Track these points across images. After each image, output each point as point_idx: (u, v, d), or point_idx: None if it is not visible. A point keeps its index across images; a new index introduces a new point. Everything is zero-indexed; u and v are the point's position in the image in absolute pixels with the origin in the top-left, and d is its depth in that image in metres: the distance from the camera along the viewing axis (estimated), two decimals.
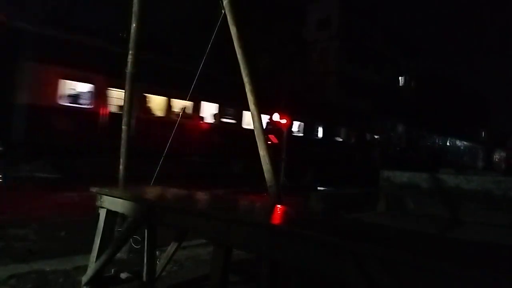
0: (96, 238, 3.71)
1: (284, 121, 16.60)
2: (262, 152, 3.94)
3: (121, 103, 4.96)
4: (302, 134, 22.83)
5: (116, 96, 12.36)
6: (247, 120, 17.42)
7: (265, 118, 18.15)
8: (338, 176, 18.42)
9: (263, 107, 3.99)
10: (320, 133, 24.63)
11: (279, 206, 3.43)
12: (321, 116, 24.71)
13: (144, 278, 3.66)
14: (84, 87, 12.14)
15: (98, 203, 3.78)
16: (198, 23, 19.11)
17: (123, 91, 4.63)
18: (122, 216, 3.92)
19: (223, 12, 4.09)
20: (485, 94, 65.38)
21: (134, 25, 4.62)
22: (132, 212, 3.47)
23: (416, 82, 47.09)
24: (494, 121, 69.96)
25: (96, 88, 12.21)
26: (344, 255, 1.95)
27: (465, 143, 49.81)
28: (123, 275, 3.87)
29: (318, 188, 14.72)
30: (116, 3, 16.68)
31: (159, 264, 3.92)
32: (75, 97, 11.93)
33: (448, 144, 44.14)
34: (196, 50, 5.38)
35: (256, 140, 3.90)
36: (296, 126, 22.19)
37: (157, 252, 3.92)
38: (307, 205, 9.90)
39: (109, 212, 3.70)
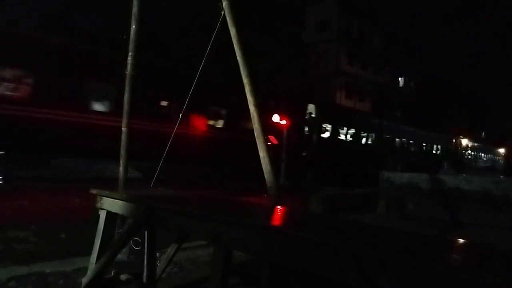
0: (96, 240, 3.71)
1: (284, 122, 16.62)
2: (262, 153, 3.95)
3: None
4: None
5: None
6: None
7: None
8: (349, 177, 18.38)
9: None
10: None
11: (279, 207, 3.43)
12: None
13: (144, 280, 3.66)
14: None
15: (98, 205, 3.78)
16: (198, 25, 19.12)
17: None
18: (122, 217, 3.92)
19: (222, 13, 4.09)
20: (485, 94, 65.53)
21: (133, 27, 4.62)
22: (132, 214, 3.47)
23: (415, 82, 47.12)
24: (494, 121, 69.81)
25: None
26: (344, 257, 1.95)
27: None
28: (123, 277, 3.87)
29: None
30: (115, 5, 16.70)
31: (159, 266, 3.92)
32: None
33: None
34: (196, 52, 5.38)
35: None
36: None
37: (157, 254, 3.92)
38: (307, 207, 9.90)
39: (109, 214, 3.70)
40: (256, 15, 24.39)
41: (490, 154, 59.88)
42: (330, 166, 21.08)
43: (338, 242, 2.05)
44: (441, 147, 37.86)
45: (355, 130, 25.10)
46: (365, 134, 26.29)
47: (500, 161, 59.85)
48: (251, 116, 3.99)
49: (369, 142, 26.59)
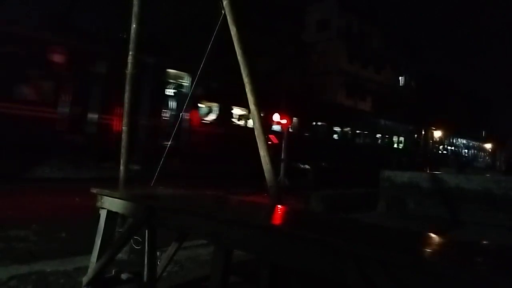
0: (96, 239, 3.72)
1: (284, 121, 16.61)
2: (263, 152, 3.95)
3: None
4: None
5: None
6: None
7: None
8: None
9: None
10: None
11: (279, 206, 3.43)
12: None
13: (145, 279, 3.66)
14: None
15: (98, 204, 3.78)
16: (198, 25, 19.11)
17: None
18: (123, 217, 3.92)
19: (223, 12, 4.10)
20: (485, 94, 64.92)
21: (134, 26, 4.63)
22: (133, 213, 3.47)
23: (416, 82, 47.13)
24: (494, 121, 69.08)
25: None
26: (344, 257, 1.95)
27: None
28: (124, 276, 3.87)
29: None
30: (115, 5, 16.71)
31: (160, 265, 3.92)
32: None
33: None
34: (196, 52, 5.39)
35: None
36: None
37: (157, 253, 3.92)
38: (307, 206, 9.90)
39: (109, 213, 3.70)
40: (256, 15, 24.38)
41: (475, 150, 52.37)
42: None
43: (338, 242, 2.05)
44: (404, 140, 31.57)
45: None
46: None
47: (487, 158, 54.09)
48: (251, 116, 3.99)
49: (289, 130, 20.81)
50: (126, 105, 4.70)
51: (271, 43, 27.16)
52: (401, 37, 44.22)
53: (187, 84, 14.85)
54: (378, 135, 28.39)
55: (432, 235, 2.33)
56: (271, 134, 14.77)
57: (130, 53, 4.64)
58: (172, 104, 14.93)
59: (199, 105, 15.98)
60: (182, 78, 14.94)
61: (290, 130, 19.15)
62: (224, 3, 4.05)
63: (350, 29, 37.76)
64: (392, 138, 29.97)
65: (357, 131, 25.82)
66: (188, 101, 14.18)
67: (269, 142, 4.15)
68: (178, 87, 15.04)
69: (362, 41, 38.51)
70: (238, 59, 4.01)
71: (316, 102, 24.82)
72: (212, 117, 16.36)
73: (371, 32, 39.84)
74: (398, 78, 44.97)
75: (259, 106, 4.01)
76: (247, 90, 4.00)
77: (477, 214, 9.11)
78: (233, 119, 17.65)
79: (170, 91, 15.00)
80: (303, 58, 34.09)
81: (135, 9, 4.64)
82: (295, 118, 20.58)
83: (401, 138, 31.18)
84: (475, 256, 2.03)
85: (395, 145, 30.41)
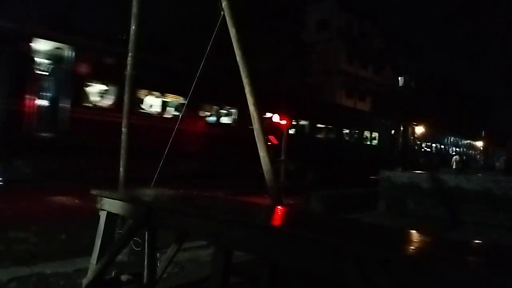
0: (96, 241, 3.71)
1: (284, 122, 16.60)
2: (262, 153, 3.94)
3: None
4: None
5: None
6: None
7: None
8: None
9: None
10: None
11: (279, 207, 3.43)
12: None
13: (145, 280, 3.66)
14: None
15: (98, 206, 3.78)
16: (198, 25, 19.11)
17: None
18: (123, 218, 3.92)
19: (222, 14, 4.09)
20: (486, 94, 64.59)
21: (133, 27, 4.62)
22: (132, 214, 3.47)
23: (415, 82, 47.10)
24: (494, 121, 68.94)
25: None
26: (344, 257, 1.95)
27: None
28: (124, 278, 3.87)
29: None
30: (115, 5, 16.72)
31: (160, 266, 3.92)
32: None
33: None
34: (196, 52, 5.38)
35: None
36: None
37: (157, 254, 3.92)
38: (307, 206, 9.90)
39: (109, 215, 3.70)
40: (256, 15, 24.38)
41: (463, 149, 48.94)
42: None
43: (338, 242, 2.05)
44: (379, 136, 27.40)
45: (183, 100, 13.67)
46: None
47: (478, 157, 51.71)
48: (251, 116, 3.99)
49: (228, 120, 16.84)
50: (125, 106, 4.69)
51: (271, 43, 27.16)
52: (401, 37, 44.22)
53: (68, 59, 11.53)
54: (346, 131, 24.77)
55: (432, 235, 2.33)
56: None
57: (130, 54, 4.64)
58: (47, 84, 11.28)
59: (87, 86, 12.14)
60: (60, 50, 11.49)
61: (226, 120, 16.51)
62: (223, 4, 4.05)
63: (350, 29, 37.76)
64: (362, 133, 26.26)
65: (318, 125, 22.21)
66: (68, 80, 11.33)
67: (268, 143, 4.14)
68: (56, 62, 11.45)
69: (362, 41, 38.50)
70: (238, 60, 4.00)
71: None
72: (106, 102, 12.48)
73: (371, 32, 39.84)
74: (398, 78, 44.99)
75: (259, 107, 4.01)
76: (246, 91, 3.99)
77: (477, 214, 9.11)
78: (142, 106, 13.57)
79: (43, 67, 11.26)
80: (303, 58, 34.08)
81: (134, 10, 4.63)
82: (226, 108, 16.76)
83: (375, 134, 27.34)
84: (474, 256, 2.03)
85: (368, 142, 26.82)
